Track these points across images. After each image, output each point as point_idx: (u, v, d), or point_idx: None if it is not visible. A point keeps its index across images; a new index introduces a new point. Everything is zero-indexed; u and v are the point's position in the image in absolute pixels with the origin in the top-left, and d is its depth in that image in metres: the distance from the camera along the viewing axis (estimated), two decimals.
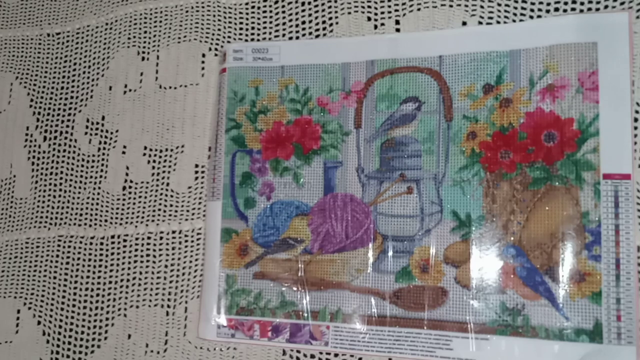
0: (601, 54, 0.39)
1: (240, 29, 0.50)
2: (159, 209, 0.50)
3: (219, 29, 0.50)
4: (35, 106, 0.55)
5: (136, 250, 0.50)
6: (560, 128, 0.39)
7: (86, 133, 0.53)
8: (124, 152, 0.52)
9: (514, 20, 0.43)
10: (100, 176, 0.52)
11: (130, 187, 0.51)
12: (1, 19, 0.58)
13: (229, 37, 0.50)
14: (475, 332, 0.39)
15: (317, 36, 0.47)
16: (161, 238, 0.49)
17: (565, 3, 0.41)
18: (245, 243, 0.45)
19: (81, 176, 0.53)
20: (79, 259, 0.51)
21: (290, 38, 0.48)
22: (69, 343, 0.50)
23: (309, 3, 0.48)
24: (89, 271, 0.51)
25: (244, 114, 0.47)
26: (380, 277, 0.42)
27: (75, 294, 0.51)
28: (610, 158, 0.38)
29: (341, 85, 0.45)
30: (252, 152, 0.46)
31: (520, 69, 0.41)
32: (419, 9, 0.45)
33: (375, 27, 0.46)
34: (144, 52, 0.52)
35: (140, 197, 0.50)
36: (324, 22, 0.47)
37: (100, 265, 0.51)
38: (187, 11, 0.51)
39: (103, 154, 0.52)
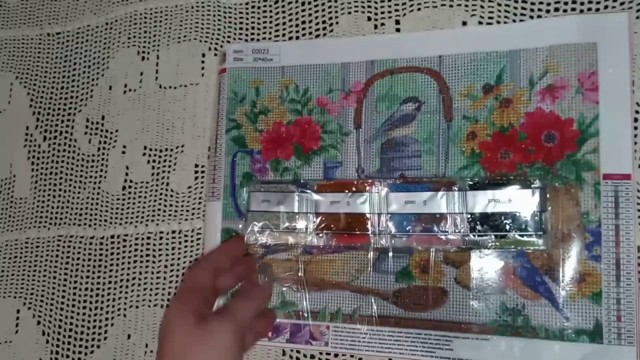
0: (601, 54, 0.39)
1: (240, 29, 0.50)
2: (159, 209, 0.50)
3: (219, 29, 0.50)
4: (35, 106, 0.55)
5: (136, 250, 0.50)
6: (560, 128, 0.39)
7: (86, 133, 0.53)
8: (123, 152, 0.52)
9: (514, 20, 0.42)
10: (100, 176, 0.52)
11: (130, 187, 0.51)
12: (1, 19, 0.58)
13: (229, 37, 0.50)
14: (476, 332, 0.39)
15: (317, 36, 0.47)
16: (161, 238, 0.49)
17: (566, 3, 0.41)
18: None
19: (81, 176, 0.53)
20: (78, 259, 0.51)
21: (290, 38, 0.48)
22: (69, 343, 0.50)
23: (309, 3, 0.48)
24: (88, 271, 0.51)
25: (245, 114, 0.47)
26: (380, 277, 0.42)
27: (75, 294, 0.51)
28: (610, 158, 0.38)
29: (341, 86, 0.45)
30: (252, 153, 0.46)
31: (520, 69, 0.41)
32: (419, 9, 0.45)
33: (375, 27, 0.46)
34: (144, 52, 0.52)
35: (140, 197, 0.50)
36: (324, 22, 0.47)
37: (100, 265, 0.50)
38: (187, 11, 0.51)
39: (103, 153, 0.52)
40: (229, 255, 0.41)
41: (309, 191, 0.43)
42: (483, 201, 0.39)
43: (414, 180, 0.42)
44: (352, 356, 0.43)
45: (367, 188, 0.42)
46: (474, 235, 0.39)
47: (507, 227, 0.38)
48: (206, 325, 0.31)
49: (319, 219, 0.43)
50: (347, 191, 0.42)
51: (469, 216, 0.39)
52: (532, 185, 0.38)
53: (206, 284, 0.36)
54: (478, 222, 0.39)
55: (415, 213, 0.41)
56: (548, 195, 0.38)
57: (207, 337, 0.31)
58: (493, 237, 0.39)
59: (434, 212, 0.40)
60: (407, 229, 0.41)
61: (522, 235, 0.38)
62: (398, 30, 0.45)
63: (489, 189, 0.39)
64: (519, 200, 0.38)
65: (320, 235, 0.43)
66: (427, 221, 0.40)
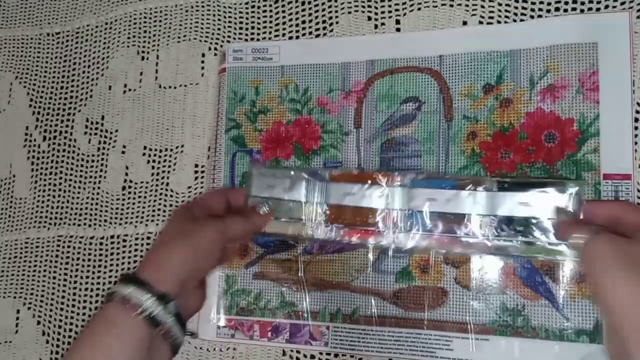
0: (601, 54, 0.39)
1: (240, 28, 0.50)
2: (159, 209, 0.50)
3: (219, 29, 0.50)
4: (34, 106, 0.55)
5: (136, 250, 0.50)
6: (560, 128, 0.39)
7: (86, 133, 0.53)
8: (123, 152, 0.51)
9: (514, 20, 0.42)
10: (100, 176, 0.52)
11: (130, 187, 0.51)
12: (1, 19, 0.58)
13: (229, 36, 0.50)
14: (476, 332, 0.39)
15: (317, 36, 0.47)
16: None
17: (566, 3, 0.41)
18: (245, 243, 0.45)
19: (81, 176, 0.53)
20: (78, 259, 0.51)
21: (290, 38, 0.48)
22: (69, 343, 0.50)
23: (309, 3, 0.48)
24: (88, 271, 0.51)
25: (244, 114, 0.47)
26: (380, 278, 0.42)
27: (75, 294, 0.51)
28: (610, 158, 0.38)
29: (341, 85, 0.45)
30: (252, 152, 0.46)
31: (520, 69, 0.41)
32: (419, 9, 0.45)
33: (376, 26, 0.46)
34: (143, 52, 0.52)
35: (140, 197, 0.50)
36: (324, 21, 0.47)
37: (100, 265, 0.50)
38: (187, 11, 0.51)
39: (102, 153, 0.52)
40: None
41: (321, 181, 0.41)
42: (512, 204, 0.36)
43: (438, 176, 0.40)
44: (352, 356, 0.43)
45: (386, 181, 0.40)
46: (500, 241, 0.37)
47: (537, 234, 0.36)
48: (198, 222, 0.36)
49: (328, 210, 0.41)
50: (362, 182, 0.40)
51: (495, 219, 0.37)
52: (568, 190, 0.36)
53: (208, 204, 0.40)
54: (505, 226, 0.36)
55: (437, 212, 0.38)
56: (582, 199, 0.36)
57: (197, 229, 0.36)
58: (520, 244, 0.36)
59: (457, 212, 0.38)
60: (428, 228, 0.39)
61: (551, 244, 0.36)
62: (398, 30, 0.45)
63: (520, 190, 0.36)
64: (551, 205, 0.36)
65: (330, 227, 0.41)
66: (449, 222, 0.38)
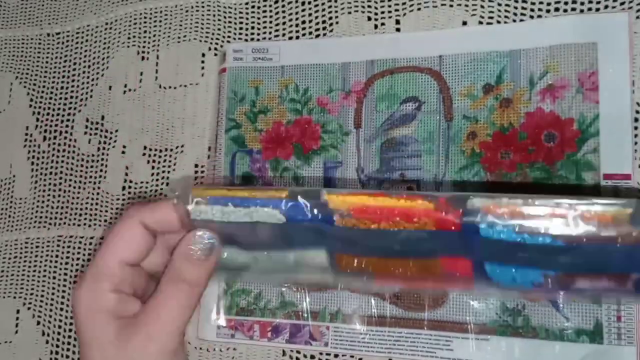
0: (601, 54, 0.39)
1: (240, 28, 0.50)
2: None
3: (219, 29, 0.50)
4: (35, 106, 0.55)
5: None
6: (560, 128, 0.39)
7: (86, 133, 0.53)
8: (123, 152, 0.52)
9: (514, 20, 0.42)
10: (100, 176, 0.52)
11: (130, 187, 0.51)
12: (1, 19, 0.58)
13: (229, 37, 0.50)
14: (476, 332, 0.39)
15: (317, 36, 0.47)
16: None
17: (566, 3, 0.41)
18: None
19: (81, 176, 0.53)
20: (78, 259, 0.51)
21: (290, 38, 0.48)
22: (69, 343, 0.50)
23: (309, 3, 0.48)
24: None
25: (244, 114, 0.47)
26: None
27: None
28: (610, 158, 0.38)
29: (341, 85, 0.45)
30: (252, 152, 0.46)
31: (520, 69, 0.41)
32: (419, 9, 0.45)
33: (376, 27, 0.46)
34: (143, 52, 0.52)
35: (140, 197, 0.50)
36: (324, 22, 0.47)
37: None
38: (187, 11, 0.51)
39: (102, 153, 0.52)
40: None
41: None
42: None
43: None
44: (352, 356, 0.43)
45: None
46: None
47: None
48: None
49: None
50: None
51: None
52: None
53: None
54: None
55: None
56: None
57: None
58: None
59: None
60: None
61: None
62: (398, 30, 0.45)
63: None
64: None
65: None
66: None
